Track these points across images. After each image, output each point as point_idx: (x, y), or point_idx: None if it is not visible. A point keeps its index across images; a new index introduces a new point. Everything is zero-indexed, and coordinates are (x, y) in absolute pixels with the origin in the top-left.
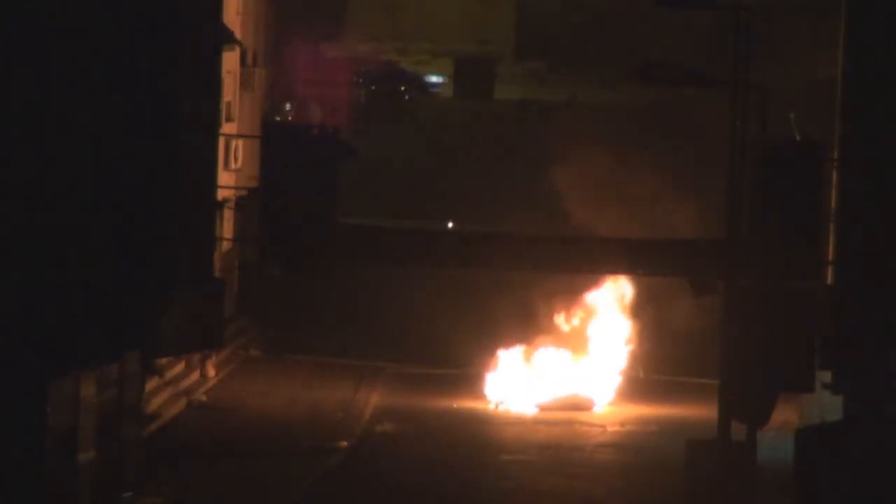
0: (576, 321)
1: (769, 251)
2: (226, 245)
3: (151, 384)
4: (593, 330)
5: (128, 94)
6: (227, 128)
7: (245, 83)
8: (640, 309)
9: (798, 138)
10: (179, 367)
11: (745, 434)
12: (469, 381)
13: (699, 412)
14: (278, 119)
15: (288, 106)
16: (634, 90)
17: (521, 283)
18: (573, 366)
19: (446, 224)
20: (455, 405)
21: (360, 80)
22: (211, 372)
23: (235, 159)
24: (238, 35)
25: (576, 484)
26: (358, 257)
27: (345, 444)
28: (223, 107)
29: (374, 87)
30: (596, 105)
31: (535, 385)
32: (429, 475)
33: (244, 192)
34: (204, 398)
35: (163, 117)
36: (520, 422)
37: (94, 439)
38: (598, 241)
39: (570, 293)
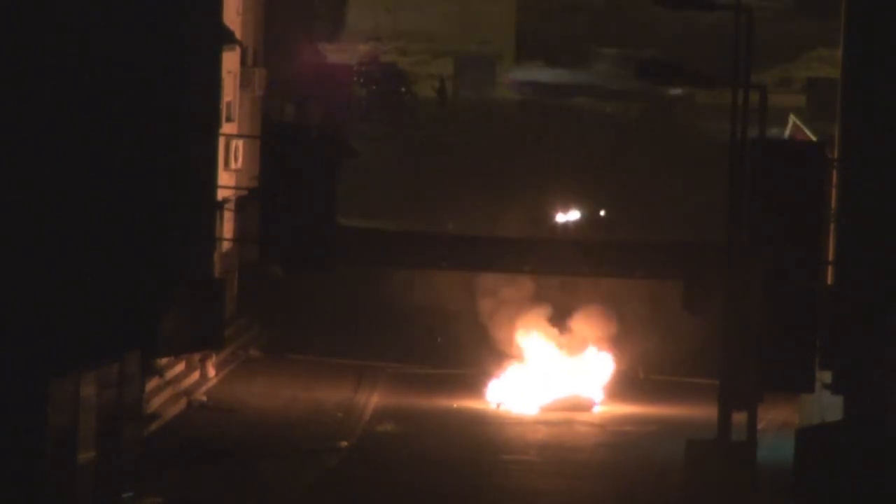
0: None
1: (769, 251)
2: (226, 245)
3: (151, 384)
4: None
5: (128, 94)
6: (227, 128)
7: (245, 83)
8: (638, 309)
9: (795, 138)
10: (179, 367)
11: (746, 434)
12: (469, 381)
13: (699, 412)
14: (278, 119)
15: (288, 106)
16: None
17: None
18: (573, 366)
19: (447, 225)
20: (455, 405)
21: (361, 81)
22: (211, 372)
23: (235, 159)
24: (238, 35)
25: (576, 484)
26: (357, 257)
27: (345, 444)
28: (223, 107)
29: (374, 87)
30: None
31: (536, 386)
32: (429, 475)
33: (244, 192)
34: (204, 398)
35: (163, 117)
36: (520, 422)
37: (94, 439)
38: (597, 243)
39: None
